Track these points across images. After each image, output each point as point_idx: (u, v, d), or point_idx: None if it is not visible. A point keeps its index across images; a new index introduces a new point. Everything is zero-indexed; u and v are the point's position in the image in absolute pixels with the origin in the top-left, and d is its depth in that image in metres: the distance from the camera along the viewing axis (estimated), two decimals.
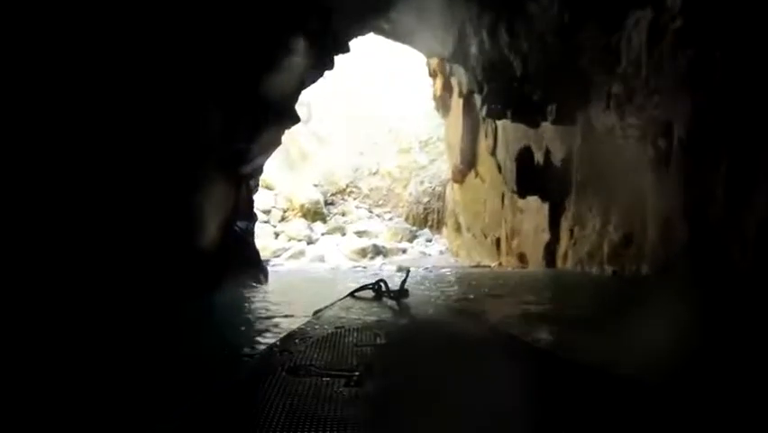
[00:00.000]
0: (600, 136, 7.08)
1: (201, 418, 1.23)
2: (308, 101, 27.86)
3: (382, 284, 3.27)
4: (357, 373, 1.43)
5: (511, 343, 2.15)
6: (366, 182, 25.41)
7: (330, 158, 26.06)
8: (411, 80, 24.76)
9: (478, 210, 14.21)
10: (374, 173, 25.78)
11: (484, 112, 9.20)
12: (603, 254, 7.31)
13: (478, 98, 9.42)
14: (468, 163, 13.94)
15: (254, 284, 7.30)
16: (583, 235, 7.93)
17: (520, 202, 10.89)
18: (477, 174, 13.91)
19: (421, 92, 25.61)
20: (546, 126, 8.65)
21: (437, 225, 22.37)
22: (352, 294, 3.34)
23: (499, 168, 11.20)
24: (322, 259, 15.13)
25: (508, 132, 10.38)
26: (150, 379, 2.58)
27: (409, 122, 26.69)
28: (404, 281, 3.28)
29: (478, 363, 1.65)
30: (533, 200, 9.87)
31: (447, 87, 14.00)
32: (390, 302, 3.10)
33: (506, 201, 12.00)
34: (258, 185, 8.90)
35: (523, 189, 9.49)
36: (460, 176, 14.88)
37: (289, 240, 19.42)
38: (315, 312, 2.88)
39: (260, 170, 8.19)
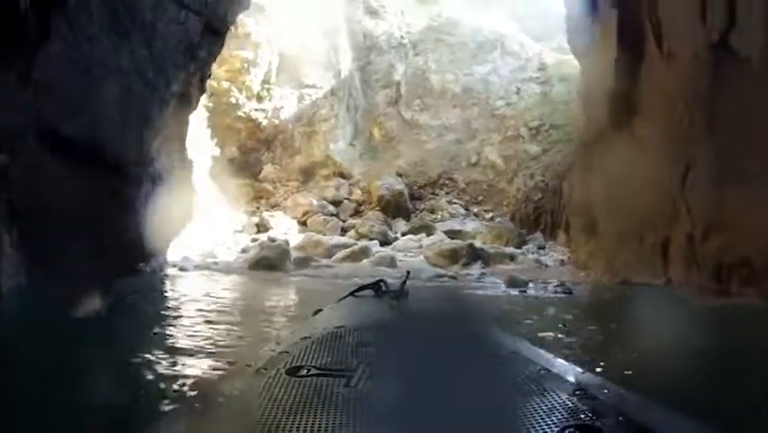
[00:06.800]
0: None
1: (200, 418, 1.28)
2: (398, 79, 24.14)
3: (382, 284, 3.07)
4: (358, 373, 1.42)
5: (519, 347, 1.81)
6: (463, 174, 22.07)
7: (420, 144, 22.02)
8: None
9: (631, 197, 8.94)
10: (473, 164, 22.07)
11: None
12: None
13: None
14: (618, 118, 8.79)
15: None
16: None
17: (744, 159, 5.63)
18: (632, 135, 8.67)
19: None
20: None
21: (551, 230, 18.34)
22: (352, 294, 3.12)
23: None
24: (392, 263, 10.58)
25: None
26: None
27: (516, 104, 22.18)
28: (404, 282, 3.08)
29: (481, 366, 1.52)
30: None
31: None
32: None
33: (698, 167, 6.73)
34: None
35: None
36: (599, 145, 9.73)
37: (359, 238, 15.27)
38: (315, 312, 2.74)
39: None
